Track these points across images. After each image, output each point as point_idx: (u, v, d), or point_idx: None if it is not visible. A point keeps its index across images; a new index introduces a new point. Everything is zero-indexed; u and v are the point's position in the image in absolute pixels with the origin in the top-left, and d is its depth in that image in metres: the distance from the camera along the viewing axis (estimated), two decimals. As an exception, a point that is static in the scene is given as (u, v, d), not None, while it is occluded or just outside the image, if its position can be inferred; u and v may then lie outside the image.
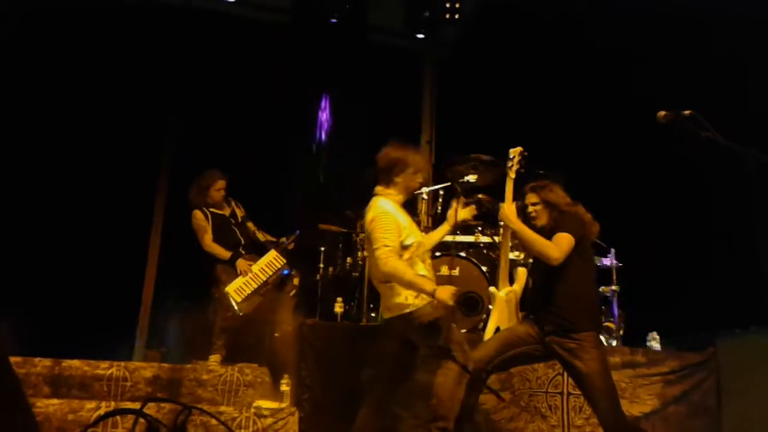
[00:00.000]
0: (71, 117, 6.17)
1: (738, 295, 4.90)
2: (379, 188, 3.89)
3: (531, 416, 4.61)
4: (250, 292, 5.14)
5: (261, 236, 5.56)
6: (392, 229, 3.68)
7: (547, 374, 4.69)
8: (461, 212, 4.08)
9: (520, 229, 3.74)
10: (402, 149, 3.92)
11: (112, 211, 6.03)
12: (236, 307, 5.07)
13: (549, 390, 4.69)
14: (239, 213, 5.57)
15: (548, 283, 3.71)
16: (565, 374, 4.68)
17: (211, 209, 5.39)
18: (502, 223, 4.07)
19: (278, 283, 5.29)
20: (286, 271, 5.31)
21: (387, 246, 3.63)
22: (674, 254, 5.85)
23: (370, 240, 3.78)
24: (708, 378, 4.98)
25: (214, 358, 5.07)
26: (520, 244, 4.29)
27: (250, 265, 5.21)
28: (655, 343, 5.23)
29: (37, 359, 4.41)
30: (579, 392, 4.62)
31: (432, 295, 3.53)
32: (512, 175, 3.94)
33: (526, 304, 3.89)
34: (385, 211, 3.76)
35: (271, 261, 5.29)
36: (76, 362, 4.46)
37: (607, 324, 5.37)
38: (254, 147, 6.62)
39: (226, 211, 5.50)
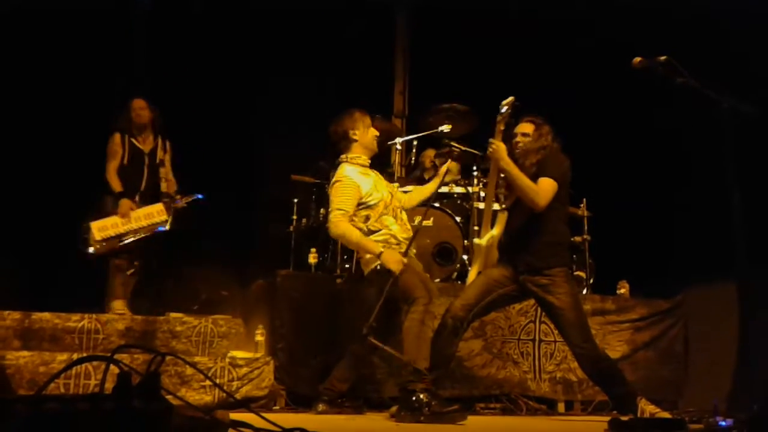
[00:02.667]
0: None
1: (706, 244, 4.97)
2: (342, 157, 4.07)
3: (503, 363, 4.69)
4: (112, 235, 4.86)
5: (163, 185, 5.19)
6: (348, 194, 3.88)
7: (519, 322, 4.76)
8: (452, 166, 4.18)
9: (512, 168, 3.68)
10: (344, 114, 4.11)
11: (80, 160, 5.88)
12: (91, 245, 4.82)
13: (521, 337, 4.76)
14: (161, 155, 5.22)
15: (522, 223, 3.74)
16: (537, 321, 4.77)
17: (132, 139, 5.14)
18: (480, 177, 4.03)
19: (151, 236, 4.98)
20: (161, 228, 5.00)
21: (340, 210, 3.85)
22: (645, 203, 5.91)
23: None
24: (676, 325, 5.10)
25: (118, 305, 4.86)
26: (502, 190, 4.23)
27: (132, 209, 4.93)
28: (624, 290, 5.31)
29: (6, 312, 4.34)
30: (550, 339, 4.75)
31: (378, 257, 3.75)
32: (501, 127, 3.83)
33: (502, 245, 3.89)
34: (345, 176, 3.94)
35: (151, 212, 5.00)
36: (46, 315, 4.39)
37: (577, 273, 5.44)
38: (224, 94, 6.48)
39: (147, 147, 5.20)
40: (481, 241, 3.90)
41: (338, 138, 4.08)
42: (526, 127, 3.83)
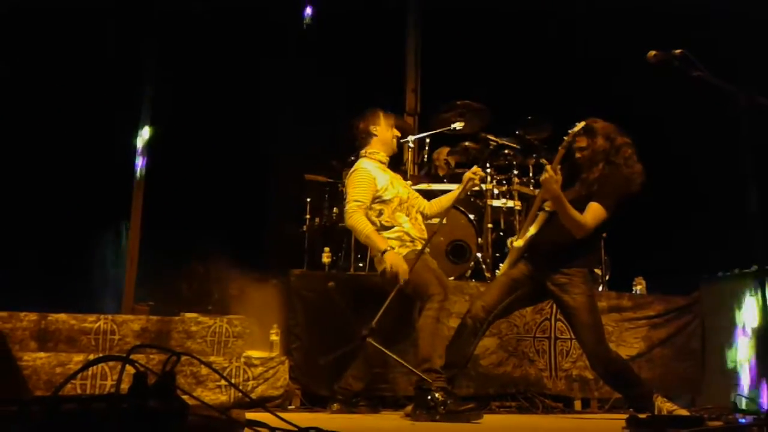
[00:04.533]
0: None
1: (723, 238, 4.93)
2: (361, 151, 4.08)
3: (519, 361, 4.66)
4: None
5: None
6: (365, 185, 3.88)
7: (535, 319, 4.73)
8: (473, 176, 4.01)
9: (560, 201, 3.52)
10: (370, 110, 4.12)
11: (92, 161, 5.91)
12: None
13: (537, 335, 4.73)
14: None
15: (557, 227, 3.64)
16: (553, 319, 4.73)
17: None
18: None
19: None
20: None
21: (357, 201, 3.85)
22: (660, 198, 5.85)
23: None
24: (693, 321, 5.05)
25: None
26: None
27: None
28: (640, 287, 5.27)
29: (22, 314, 4.37)
30: (566, 337, 4.71)
31: (381, 254, 3.72)
32: (563, 151, 3.63)
33: (531, 242, 3.78)
34: (362, 168, 3.96)
35: None
36: (62, 316, 4.42)
37: (594, 270, 5.39)
38: (237, 93, 6.48)
39: None
40: (519, 242, 3.81)
41: (359, 132, 4.09)
42: (580, 142, 3.69)
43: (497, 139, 5.17)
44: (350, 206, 3.85)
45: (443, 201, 4.19)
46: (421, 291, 3.70)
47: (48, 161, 5.91)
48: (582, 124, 3.63)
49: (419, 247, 3.83)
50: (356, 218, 3.81)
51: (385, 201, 3.92)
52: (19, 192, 5.72)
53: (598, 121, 3.70)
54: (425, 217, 4.18)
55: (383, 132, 4.07)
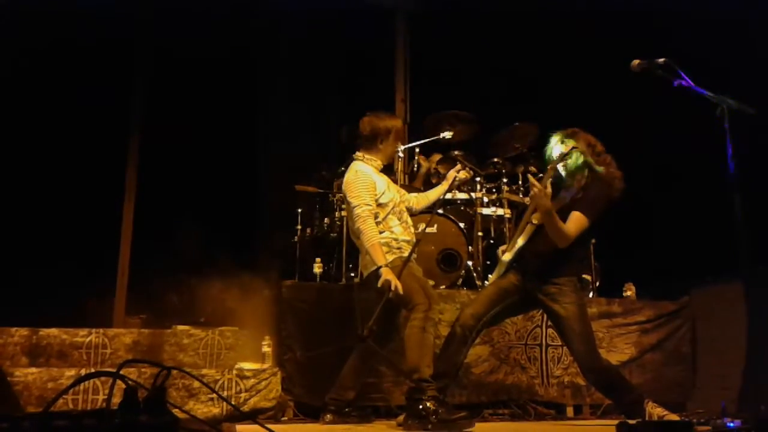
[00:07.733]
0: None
1: (711, 243, 4.96)
2: (359, 154, 4.07)
3: (511, 368, 4.67)
4: None
5: None
6: (369, 188, 3.88)
7: (526, 327, 4.76)
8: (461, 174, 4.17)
9: (549, 216, 3.52)
10: (386, 118, 4.09)
11: (83, 173, 5.91)
12: None
13: (528, 342, 4.75)
14: None
15: (543, 238, 3.66)
16: (544, 326, 4.76)
17: None
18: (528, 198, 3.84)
19: None
20: None
21: (367, 205, 3.84)
22: (648, 204, 5.90)
23: (347, 200, 3.95)
24: (683, 326, 5.09)
25: None
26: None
27: None
28: (630, 293, 5.30)
29: (13, 329, 4.36)
30: (557, 343, 4.74)
31: (377, 268, 3.73)
32: (552, 172, 3.65)
33: (518, 252, 3.80)
34: (362, 171, 3.95)
35: None
36: (53, 331, 4.41)
37: (584, 276, 5.42)
38: (228, 103, 6.49)
39: None
40: (507, 255, 3.82)
41: (367, 135, 4.03)
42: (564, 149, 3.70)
43: (464, 161, 5.19)
44: (361, 210, 3.82)
45: (430, 195, 4.29)
46: (405, 300, 3.71)
47: (42, 168, 5.92)
48: (572, 143, 3.65)
49: (406, 254, 3.83)
50: (369, 224, 3.80)
51: (381, 205, 3.91)
52: (12, 205, 5.72)
53: (578, 132, 3.73)
54: (413, 212, 4.21)
55: (388, 147, 4.07)
